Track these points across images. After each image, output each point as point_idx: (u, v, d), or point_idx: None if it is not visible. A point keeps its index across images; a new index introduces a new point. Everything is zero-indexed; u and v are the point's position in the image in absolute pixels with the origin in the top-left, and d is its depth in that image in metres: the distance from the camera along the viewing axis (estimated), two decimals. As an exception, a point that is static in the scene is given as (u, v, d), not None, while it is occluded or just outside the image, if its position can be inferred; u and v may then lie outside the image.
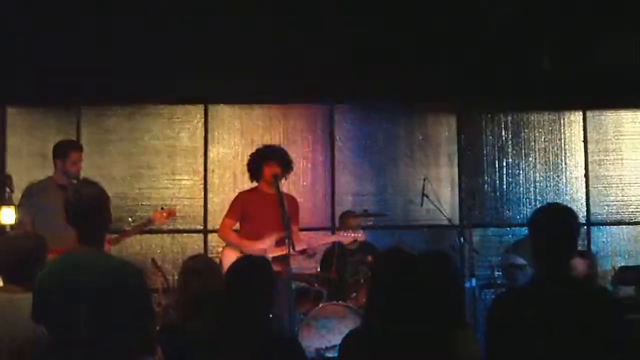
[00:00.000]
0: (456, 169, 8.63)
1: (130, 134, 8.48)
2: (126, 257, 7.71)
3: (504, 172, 8.66)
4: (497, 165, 8.66)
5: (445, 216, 7.72)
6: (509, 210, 8.62)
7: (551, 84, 8.12)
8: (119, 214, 7.96)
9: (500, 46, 7.89)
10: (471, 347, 3.72)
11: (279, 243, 6.33)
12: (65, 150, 6.54)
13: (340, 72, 7.96)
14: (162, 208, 7.11)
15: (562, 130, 8.73)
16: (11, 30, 7.32)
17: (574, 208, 3.62)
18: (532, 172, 8.67)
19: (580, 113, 8.74)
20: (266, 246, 6.48)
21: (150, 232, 7.85)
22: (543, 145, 8.71)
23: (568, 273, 3.40)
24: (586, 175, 8.65)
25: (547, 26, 7.75)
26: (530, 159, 8.69)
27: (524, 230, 8.23)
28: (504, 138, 8.70)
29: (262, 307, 3.69)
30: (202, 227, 8.43)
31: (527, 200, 8.62)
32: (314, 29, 7.68)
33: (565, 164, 8.69)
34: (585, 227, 8.46)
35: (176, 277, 7.79)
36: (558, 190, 8.64)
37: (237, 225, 6.84)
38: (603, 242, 8.52)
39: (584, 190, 8.64)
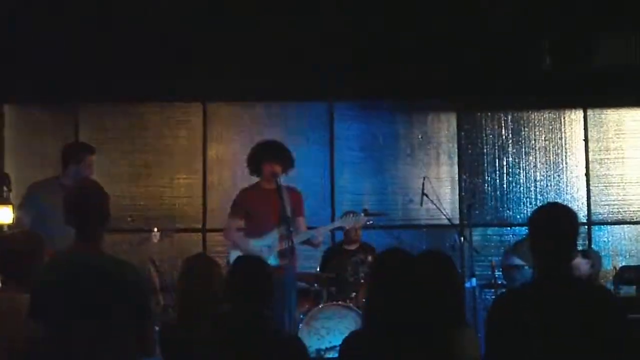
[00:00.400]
0: (456, 168, 8.62)
1: (128, 132, 8.47)
2: (124, 256, 7.70)
3: (504, 171, 8.64)
4: (497, 164, 8.65)
5: (445, 215, 7.70)
6: (509, 210, 8.61)
7: (551, 83, 8.10)
8: (117, 213, 7.91)
9: (500, 45, 7.87)
10: (471, 347, 3.71)
11: (282, 237, 6.28)
12: (80, 154, 6.47)
13: (340, 70, 7.94)
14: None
15: (563, 129, 8.71)
16: (10, 29, 7.30)
17: (575, 207, 3.61)
18: (532, 171, 8.65)
19: (581, 111, 8.72)
20: (270, 243, 6.45)
21: (149, 231, 7.81)
22: (543, 144, 8.70)
23: (568, 273, 3.39)
24: (587, 174, 8.63)
25: (547, 25, 7.73)
26: (531, 157, 8.67)
27: (525, 230, 8.22)
28: (504, 137, 8.68)
29: (262, 306, 3.67)
30: (200, 227, 8.41)
31: (528, 199, 8.61)
32: (314, 27, 7.66)
33: (566, 163, 8.67)
34: (586, 226, 8.43)
35: (174, 277, 7.81)
36: (559, 189, 8.62)
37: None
38: (604, 241, 8.50)
39: (585, 189, 8.62)
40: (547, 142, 8.70)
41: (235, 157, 8.42)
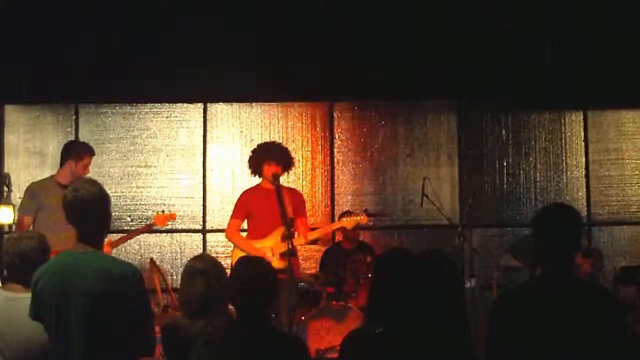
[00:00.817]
0: (456, 169, 8.61)
1: (128, 132, 8.47)
2: (124, 257, 7.72)
3: (505, 172, 8.64)
4: (497, 165, 8.64)
5: (445, 216, 7.69)
6: (509, 210, 8.60)
7: (552, 84, 8.10)
8: (117, 213, 7.95)
9: (500, 45, 7.86)
10: (471, 347, 3.70)
11: (284, 239, 6.28)
12: (81, 153, 6.48)
13: (340, 70, 7.94)
14: (162, 211, 7.07)
15: (563, 130, 8.71)
16: (10, 28, 7.30)
17: (575, 208, 3.60)
18: (532, 172, 8.65)
19: (581, 113, 8.72)
20: (271, 244, 6.46)
21: (149, 231, 7.81)
22: (544, 145, 8.69)
23: (571, 272, 3.39)
24: (587, 175, 8.63)
25: (548, 26, 7.73)
26: (531, 158, 8.66)
27: (524, 231, 8.24)
28: (504, 138, 8.68)
29: (264, 307, 3.66)
30: (201, 227, 8.41)
31: (528, 200, 8.60)
32: (314, 27, 7.65)
33: (566, 163, 8.66)
34: (586, 227, 8.42)
35: (175, 277, 7.83)
36: (559, 190, 8.62)
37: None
38: (604, 242, 8.49)
39: (585, 190, 8.62)
40: (547, 143, 8.70)
41: (235, 158, 8.43)
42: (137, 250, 8.10)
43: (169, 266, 8.13)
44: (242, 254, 6.26)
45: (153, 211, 8.26)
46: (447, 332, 3.54)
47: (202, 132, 8.51)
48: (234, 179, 8.40)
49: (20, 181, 7.95)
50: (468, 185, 8.54)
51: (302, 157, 8.44)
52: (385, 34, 7.75)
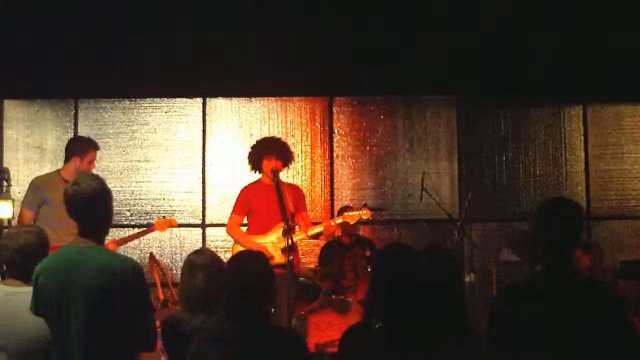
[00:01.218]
0: (456, 163, 8.61)
1: (127, 127, 8.46)
2: (124, 251, 7.70)
3: (504, 166, 8.63)
4: (496, 160, 8.63)
5: (444, 210, 7.70)
6: (508, 205, 8.60)
7: (551, 78, 8.09)
8: (116, 207, 7.93)
9: (500, 40, 7.86)
10: (471, 342, 3.70)
11: (285, 234, 6.27)
12: (86, 149, 6.48)
13: (339, 64, 7.93)
14: (164, 217, 7.07)
15: (562, 125, 8.70)
16: (10, 24, 7.29)
17: (576, 202, 3.60)
18: (532, 166, 8.65)
19: (581, 107, 8.71)
20: (273, 239, 6.46)
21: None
22: (543, 140, 8.69)
23: (570, 267, 3.40)
24: (586, 170, 8.63)
25: (548, 20, 7.72)
26: (530, 153, 8.66)
27: (524, 225, 8.24)
28: (503, 132, 8.67)
29: (262, 302, 3.66)
30: (200, 222, 8.41)
31: (527, 194, 8.60)
32: (313, 22, 7.64)
33: (565, 158, 8.66)
34: (586, 221, 8.42)
35: (174, 272, 7.82)
36: (558, 184, 8.62)
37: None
38: (603, 236, 8.49)
39: (584, 184, 8.62)
40: (546, 138, 8.70)
41: (234, 153, 8.42)
42: (136, 244, 8.09)
43: (168, 261, 8.13)
44: (243, 249, 6.26)
45: (152, 206, 8.32)
46: (447, 327, 3.54)
47: (202, 126, 8.50)
48: (233, 173, 8.40)
49: (19, 176, 7.95)
50: (467, 179, 8.54)
51: (302, 151, 8.44)
52: (385, 27, 7.74)
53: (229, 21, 7.59)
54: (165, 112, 8.53)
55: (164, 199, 8.37)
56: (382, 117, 8.65)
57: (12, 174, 7.05)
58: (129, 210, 8.28)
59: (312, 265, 7.44)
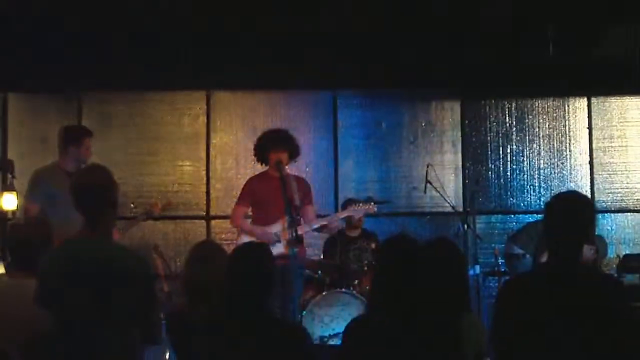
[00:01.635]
0: (460, 156, 8.61)
1: (131, 120, 8.46)
2: (129, 243, 7.71)
3: (508, 158, 8.63)
4: (501, 152, 8.63)
5: (449, 203, 7.70)
6: (512, 197, 8.60)
7: (556, 70, 8.08)
8: (120, 200, 7.88)
9: (504, 33, 7.84)
10: (475, 334, 3.71)
11: (290, 226, 6.25)
12: (79, 136, 6.47)
13: (343, 58, 7.92)
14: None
15: (567, 117, 8.69)
16: (13, 16, 7.29)
17: (588, 197, 3.61)
18: (536, 159, 8.64)
19: (585, 99, 8.70)
20: (277, 230, 6.45)
21: (153, 218, 7.81)
22: (547, 132, 8.68)
23: (577, 260, 3.40)
24: (591, 162, 8.62)
25: (552, 12, 7.70)
26: (535, 145, 8.65)
27: (528, 217, 8.25)
28: (508, 124, 8.67)
29: (265, 294, 3.66)
30: (204, 214, 8.42)
31: (531, 187, 8.60)
32: (317, 14, 7.63)
33: (570, 150, 8.65)
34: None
35: (178, 264, 7.83)
36: (562, 177, 8.61)
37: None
38: (607, 229, 8.48)
39: (589, 177, 8.61)
40: (551, 130, 8.68)
41: (238, 145, 8.43)
42: (141, 237, 8.10)
43: (172, 253, 8.13)
44: (249, 239, 6.26)
45: (157, 198, 8.30)
46: (451, 319, 3.54)
47: (206, 119, 8.50)
48: (237, 166, 8.40)
49: (23, 168, 7.93)
50: (472, 172, 8.54)
51: (306, 144, 8.41)
52: (388, 20, 7.72)
53: (232, 14, 7.57)
54: (170, 104, 8.53)
55: (168, 192, 8.38)
56: (386, 109, 8.64)
57: (16, 167, 7.06)
58: (132, 203, 8.27)
59: (316, 258, 7.44)
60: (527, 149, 8.65)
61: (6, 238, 4.23)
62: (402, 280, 3.52)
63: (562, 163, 8.65)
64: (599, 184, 8.60)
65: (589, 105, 8.69)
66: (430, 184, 7.59)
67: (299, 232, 6.11)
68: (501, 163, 8.62)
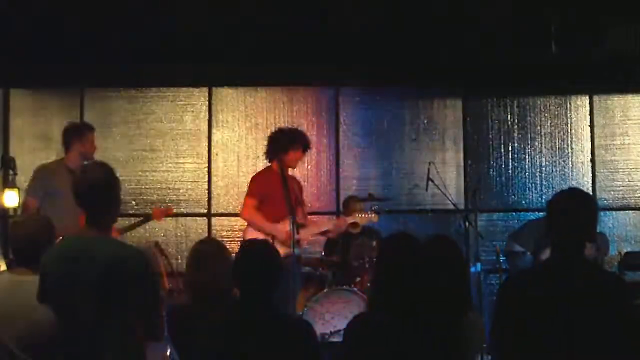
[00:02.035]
0: (461, 154, 8.60)
1: (133, 116, 8.47)
2: (129, 241, 7.71)
3: (510, 156, 8.63)
4: (502, 150, 8.63)
5: (450, 201, 7.70)
6: (514, 195, 8.60)
7: (558, 68, 8.07)
8: (122, 196, 7.91)
9: (506, 29, 7.83)
10: (476, 331, 3.72)
11: (294, 225, 6.25)
12: (82, 132, 6.52)
13: (346, 55, 7.91)
14: (160, 206, 7.13)
15: (569, 115, 8.68)
16: (14, 12, 7.28)
17: (591, 195, 3.61)
18: (537, 156, 8.63)
19: (587, 97, 8.69)
20: (288, 227, 6.44)
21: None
22: (549, 130, 8.67)
23: (578, 257, 3.40)
24: (592, 160, 8.62)
25: (554, 9, 7.69)
26: (536, 143, 8.65)
27: (530, 215, 8.25)
28: (509, 122, 8.66)
29: (270, 291, 3.66)
30: (205, 211, 8.42)
31: (533, 185, 8.59)
32: (318, 11, 7.62)
33: (572, 148, 8.65)
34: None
35: (180, 261, 7.83)
36: (564, 175, 8.61)
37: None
38: (609, 227, 8.48)
39: (590, 175, 8.61)
40: (552, 128, 8.68)
41: (240, 142, 8.43)
42: (142, 234, 8.10)
43: (174, 250, 8.13)
44: (256, 234, 6.26)
45: (158, 195, 8.33)
46: (452, 317, 3.55)
47: (207, 116, 8.51)
48: (238, 163, 8.40)
49: (25, 165, 7.92)
50: (473, 169, 8.54)
51: (308, 141, 8.43)
52: (390, 17, 7.71)
53: (234, 10, 7.56)
54: (171, 101, 8.53)
55: (169, 189, 8.39)
56: (388, 106, 8.64)
57: (18, 163, 7.05)
58: (134, 199, 8.29)
59: (318, 255, 7.44)
60: (529, 146, 8.65)
61: (8, 235, 4.22)
62: (402, 279, 3.52)
63: (564, 161, 8.64)
64: (600, 181, 8.60)
65: (590, 103, 8.68)
66: (432, 181, 7.59)
67: (303, 241, 6.16)
68: (503, 161, 8.62)
